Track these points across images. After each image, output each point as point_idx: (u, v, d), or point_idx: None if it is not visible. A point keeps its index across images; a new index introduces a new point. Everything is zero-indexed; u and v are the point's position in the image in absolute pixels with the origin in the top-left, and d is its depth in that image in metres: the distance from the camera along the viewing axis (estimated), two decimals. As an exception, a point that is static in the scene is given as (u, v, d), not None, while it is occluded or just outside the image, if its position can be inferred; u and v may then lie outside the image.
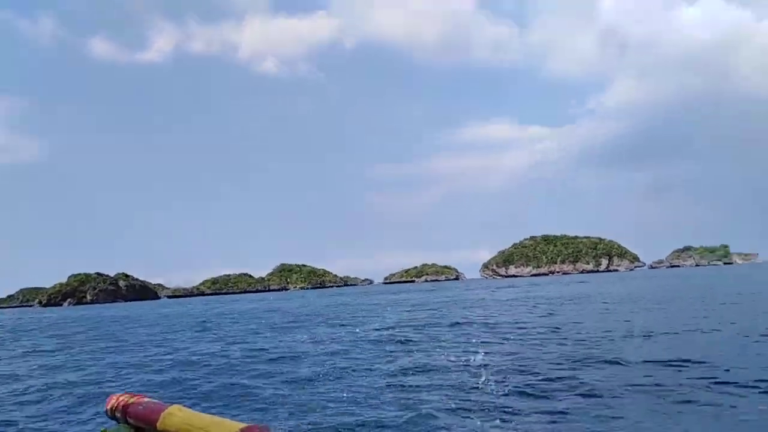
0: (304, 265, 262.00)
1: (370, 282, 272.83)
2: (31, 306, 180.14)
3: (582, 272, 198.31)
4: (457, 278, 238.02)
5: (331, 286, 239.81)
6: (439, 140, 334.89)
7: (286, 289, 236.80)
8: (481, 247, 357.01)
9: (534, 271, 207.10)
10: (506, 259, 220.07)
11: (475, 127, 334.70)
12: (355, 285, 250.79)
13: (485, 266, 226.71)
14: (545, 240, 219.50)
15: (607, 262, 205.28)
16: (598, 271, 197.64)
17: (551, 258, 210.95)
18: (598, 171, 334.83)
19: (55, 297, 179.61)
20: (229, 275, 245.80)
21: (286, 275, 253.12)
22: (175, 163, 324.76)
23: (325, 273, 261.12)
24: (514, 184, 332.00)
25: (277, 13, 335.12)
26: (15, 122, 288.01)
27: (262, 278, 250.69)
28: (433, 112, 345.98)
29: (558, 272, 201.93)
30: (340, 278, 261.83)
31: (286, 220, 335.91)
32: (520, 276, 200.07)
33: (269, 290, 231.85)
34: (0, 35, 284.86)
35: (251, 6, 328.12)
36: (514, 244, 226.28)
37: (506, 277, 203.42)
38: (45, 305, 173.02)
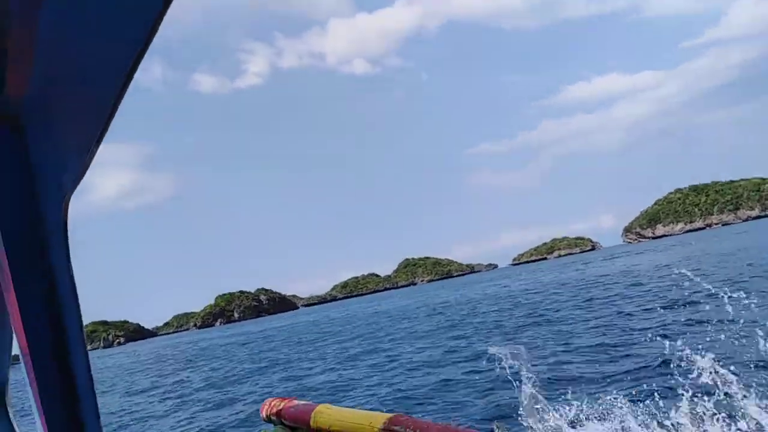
0: (427, 258, 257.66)
1: (495, 266, 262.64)
2: (187, 330, 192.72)
3: (747, 220, 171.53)
4: (593, 248, 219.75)
5: (459, 275, 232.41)
6: (542, 107, 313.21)
7: (414, 284, 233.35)
8: (610, 212, 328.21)
9: (687, 228, 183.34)
10: (651, 218, 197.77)
11: (579, 86, 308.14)
12: (479, 271, 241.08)
13: (627, 230, 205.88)
14: (694, 190, 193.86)
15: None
16: (767, 216, 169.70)
17: (706, 209, 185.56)
18: (730, 105, 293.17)
19: (207, 318, 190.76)
20: (357, 277, 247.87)
21: (411, 270, 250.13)
22: (286, 177, 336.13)
23: (450, 263, 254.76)
24: (633, 138, 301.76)
25: (359, 12, 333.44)
26: (147, 164, 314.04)
27: (389, 276, 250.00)
28: (532, 79, 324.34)
29: (717, 224, 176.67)
30: (466, 266, 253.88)
31: (400, 214, 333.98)
32: (672, 235, 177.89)
33: (397, 287, 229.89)
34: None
35: (333, 10, 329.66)
36: (657, 201, 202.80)
37: (654, 238, 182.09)
38: (200, 327, 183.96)
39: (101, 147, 0.84)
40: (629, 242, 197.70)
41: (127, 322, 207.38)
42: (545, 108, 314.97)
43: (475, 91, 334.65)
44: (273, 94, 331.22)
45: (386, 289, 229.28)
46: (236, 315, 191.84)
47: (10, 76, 0.83)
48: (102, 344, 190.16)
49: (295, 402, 2.05)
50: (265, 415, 2.16)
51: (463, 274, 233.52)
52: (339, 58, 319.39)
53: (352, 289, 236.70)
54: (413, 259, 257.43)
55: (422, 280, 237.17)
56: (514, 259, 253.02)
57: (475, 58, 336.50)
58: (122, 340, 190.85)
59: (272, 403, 2.07)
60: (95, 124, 0.81)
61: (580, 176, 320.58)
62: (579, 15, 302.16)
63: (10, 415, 1.87)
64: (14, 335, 1.02)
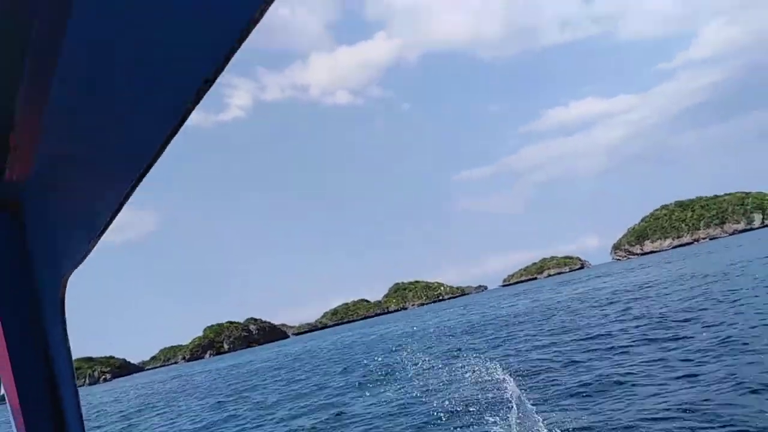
0: (417, 281, 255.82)
1: (484, 288, 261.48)
2: (176, 363, 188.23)
3: (733, 233, 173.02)
4: (582, 267, 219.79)
5: (449, 298, 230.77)
6: (522, 133, 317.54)
7: (405, 309, 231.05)
8: (594, 232, 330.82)
9: (675, 243, 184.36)
10: (639, 235, 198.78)
11: (557, 111, 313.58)
12: (469, 294, 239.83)
13: (616, 248, 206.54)
14: (680, 206, 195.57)
15: (761, 216, 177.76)
16: (752, 229, 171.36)
17: (693, 225, 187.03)
18: (702, 126, 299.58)
19: (196, 351, 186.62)
20: (346, 303, 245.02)
21: (402, 294, 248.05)
22: (271, 206, 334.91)
23: (439, 285, 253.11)
24: (612, 160, 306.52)
25: (339, 46, 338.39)
26: (131, 201, 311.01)
27: (379, 302, 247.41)
28: (511, 106, 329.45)
29: (704, 239, 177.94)
30: (456, 288, 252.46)
31: (388, 240, 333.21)
32: (660, 251, 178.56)
33: (388, 312, 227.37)
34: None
35: (314, 44, 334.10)
36: (644, 218, 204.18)
37: (643, 255, 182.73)
38: (188, 360, 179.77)
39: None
40: (618, 259, 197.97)
41: (113, 357, 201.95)
42: (525, 134, 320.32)
43: (456, 119, 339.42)
44: (256, 126, 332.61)
45: (377, 314, 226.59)
46: (226, 346, 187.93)
47: (11, 163, 0.84)
48: (87, 381, 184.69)
49: None
50: None
51: (453, 297, 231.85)
52: (321, 89, 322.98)
53: (342, 315, 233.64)
54: (403, 283, 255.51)
55: (413, 305, 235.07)
56: (504, 281, 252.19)
57: (455, 86, 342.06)
58: (108, 376, 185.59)
59: None
60: (99, 210, 0.80)
61: (562, 199, 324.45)
62: (554, 42, 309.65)
63: None
64: (6, 396, 1.01)
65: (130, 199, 0.73)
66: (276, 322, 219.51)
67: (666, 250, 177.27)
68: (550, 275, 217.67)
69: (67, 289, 0.98)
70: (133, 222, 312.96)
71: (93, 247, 0.88)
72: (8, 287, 0.98)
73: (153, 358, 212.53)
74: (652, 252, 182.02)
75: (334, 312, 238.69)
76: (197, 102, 0.57)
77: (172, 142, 0.63)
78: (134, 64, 0.58)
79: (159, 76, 0.58)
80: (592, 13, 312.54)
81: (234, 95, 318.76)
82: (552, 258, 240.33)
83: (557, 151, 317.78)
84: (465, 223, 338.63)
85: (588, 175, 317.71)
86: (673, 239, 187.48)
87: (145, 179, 0.72)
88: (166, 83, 0.58)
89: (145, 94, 0.61)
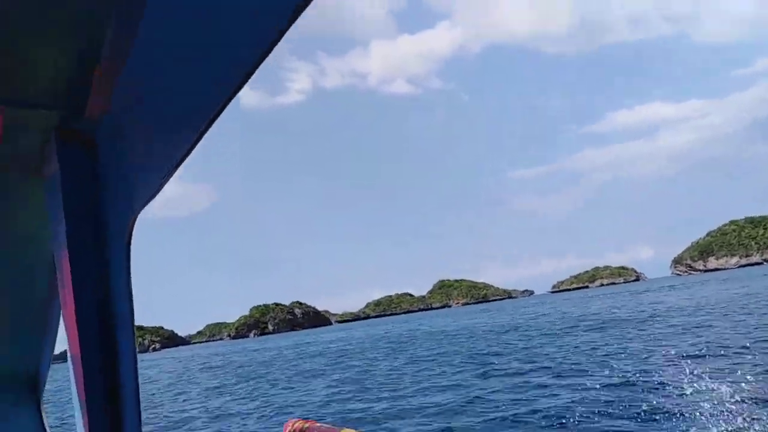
0: (463, 280, 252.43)
1: (531, 292, 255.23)
2: (221, 339, 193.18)
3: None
4: (637, 279, 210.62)
5: (495, 299, 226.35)
6: (583, 133, 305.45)
7: (449, 306, 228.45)
8: (649, 244, 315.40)
9: (743, 262, 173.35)
10: (703, 250, 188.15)
11: (621, 113, 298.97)
12: (515, 297, 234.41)
13: (676, 262, 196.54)
14: (751, 223, 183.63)
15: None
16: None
17: (763, 243, 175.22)
18: None
19: (241, 329, 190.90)
20: (390, 296, 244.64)
21: (446, 291, 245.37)
22: (326, 194, 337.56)
23: (486, 286, 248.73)
24: (677, 168, 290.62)
25: (401, 34, 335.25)
26: (187, 175, 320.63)
27: (423, 297, 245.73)
28: (573, 104, 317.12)
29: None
30: (503, 291, 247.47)
31: (437, 234, 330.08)
32: (725, 269, 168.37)
33: (431, 308, 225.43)
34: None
35: (375, 31, 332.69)
36: (710, 233, 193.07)
37: (705, 271, 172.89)
38: (234, 338, 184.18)
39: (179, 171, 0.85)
40: (678, 274, 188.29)
41: (162, 328, 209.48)
42: (586, 134, 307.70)
43: (516, 115, 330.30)
44: (314, 111, 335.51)
45: (420, 309, 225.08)
46: (270, 327, 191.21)
47: (93, 99, 0.88)
48: (138, 349, 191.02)
49: (317, 425, 2.02)
50: None
51: (500, 299, 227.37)
52: (380, 78, 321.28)
53: (385, 307, 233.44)
54: (448, 280, 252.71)
55: (457, 303, 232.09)
56: (554, 286, 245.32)
57: (517, 81, 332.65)
58: (158, 345, 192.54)
59: (295, 424, 2.03)
60: (170, 152, 0.83)
61: (618, 207, 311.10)
62: (623, 40, 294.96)
63: (42, 412, 1.90)
64: (67, 339, 1.05)
65: (193, 154, 0.78)
66: (319, 308, 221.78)
67: (732, 268, 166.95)
68: (603, 285, 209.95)
69: (134, 232, 1.00)
70: (193, 196, 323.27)
71: (162, 186, 0.91)
72: (80, 223, 1.01)
73: (199, 333, 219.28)
74: (716, 269, 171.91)
75: (377, 303, 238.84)
76: (269, 52, 0.60)
77: (238, 95, 0.67)
78: (213, 10, 0.63)
79: (236, 23, 0.61)
80: (666, 12, 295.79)
81: (294, 79, 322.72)
82: (606, 267, 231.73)
83: (617, 156, 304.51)
84: (515, 223, 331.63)
85: (648, 183, 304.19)
86: (740, 257, 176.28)
87: (206, 137, 0.76)
88: (242, 30, 0.61)
89: (222, 39, 0.64)
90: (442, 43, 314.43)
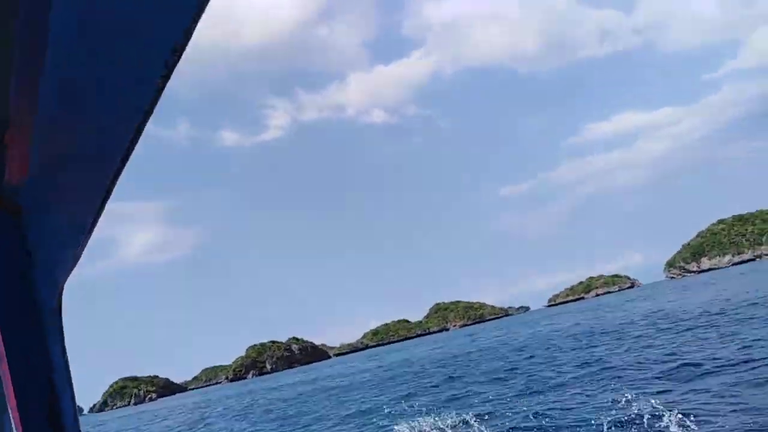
0: (458, 302, 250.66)
1: (526, 308, 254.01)
2: (219, 383, 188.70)
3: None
4: (632, 286, 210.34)
5: (492, 319, 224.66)
6: (561, 148, 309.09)
7: (447, 329, 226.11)
8: (639, 250, 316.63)
9: (735, 260, 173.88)
10: (694, 251, 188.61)
11: (598, 125, 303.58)
12: (511, 315, 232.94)
13: (670, 265, 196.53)
14: (739, 220, 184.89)
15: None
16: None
17: (754, 240, 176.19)
18: (758, 136, 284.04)
19: (239, 371, 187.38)
20: (387, 324, 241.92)
21: (442, 315, 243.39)
22: (311, 226, 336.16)
23: (482, 306, 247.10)
24: (657, 174, 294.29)
25: (376, 65, 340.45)
26: (170, 219, 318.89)
27: (420, 322, 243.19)
28: (549, 121, 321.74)
29: (767, 255, 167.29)
30: (499, 309, 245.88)
31: (427, 259, 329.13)
32: (719, 268, 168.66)
33: (429, 333, 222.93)
34: (152, 146, 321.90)
35: (351, 64, 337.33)
36: (700, 234, 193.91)
37: (700, 272, 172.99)
38: (232, 380, 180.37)
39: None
40: (673, 277, 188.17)
41: (157, 377, 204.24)
42: (565, 148, 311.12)
43: (494, 135, 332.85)
44: (294, 146, 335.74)
45: (418, 335, 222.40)
46: (268, 366, 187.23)
47: (9, 163, 0.85)
48: (133, 400, 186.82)
49: None
50: None
51: (497, 317, 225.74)
52: (358, 109, 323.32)
53: (383, 336, 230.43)
54: (444, 303, 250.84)
55: (455, 325, 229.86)
56: (550, 300, 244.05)
57: (493, 103, 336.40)
58: (154, 395, 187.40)
59: None
60: (91, 206, 0.82)
61: (604, 216, 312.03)
62: (593, 55, 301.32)
63: None
64: (9, 414, 1.02)
65: (118, 199, 0.68)
66: (315, 342, 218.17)
67: (725, 267, 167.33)
68: (597, 295, 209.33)
69: (63, 296, 0.97)
70: (177, 241, 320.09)
71: (84, 247, 0.89)
72: (9, 292, 0.98)
73: (195, 378, 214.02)
74: (710, 269, 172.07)
75: (375, 332, 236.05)
76: (167, 78, 0.60)
77: (144, 130, 0.67)
78: (108, 50, 0.62)
79: (127, 63, 0.62)
80: (633, 24, 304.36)
81: (272, 116, 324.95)
82: (599, 277, 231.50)
83: (598, 167, 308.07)
84: (503, 242, 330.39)
85: (631, 190, 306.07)
86: (732, 255, 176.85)
87: (122, 179, 0.75)
88: (132, 72, 0.62)
89: (116, 81, 0.64)
90: (417, 71, 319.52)
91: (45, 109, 0.71)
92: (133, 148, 0.70)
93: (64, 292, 0.97)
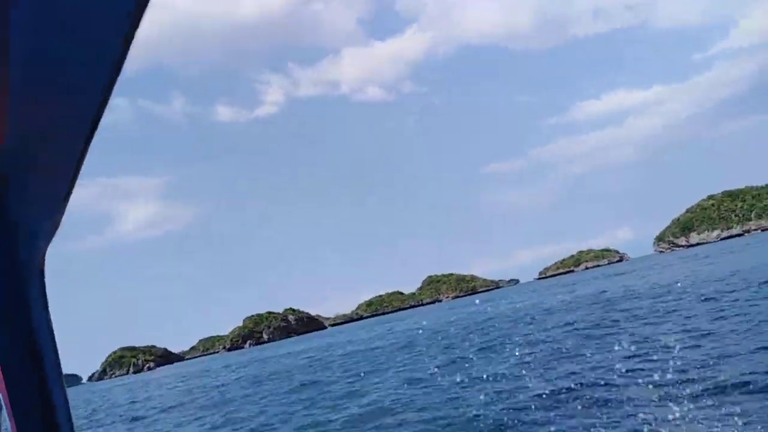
0: (451, 274, 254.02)
1: (516, 281, 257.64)
2: (216, 353, 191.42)
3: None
4: (621, 260, 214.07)
5: (483, 291, 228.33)
6: (553, 125, 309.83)
7: (439, 301, 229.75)
8: (628, 225, 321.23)
9: (724, 235, 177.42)
10: (684, 226, 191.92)
11: (589, 102, 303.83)
12: (502, 287, 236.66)
13: (659, 239, 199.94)
14: (729, 196, 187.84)
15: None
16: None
17: (743, 216, 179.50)
18: (748, 114, 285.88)
19: (236, 341, 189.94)
20: (381, 295, 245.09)
21: (435, 287, 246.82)
22: (307, 200, 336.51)
23: (473, 278, 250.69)
24: (647, 152, 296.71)
25: (371, 40, 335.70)
26: (167, 194, 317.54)
27: (413, 294, 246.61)
28: (542, 98, 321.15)
29: (756, 230, 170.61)
30: (490, 281, 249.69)
31: (421, 232, 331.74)
32: (708, 242, 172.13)
33: (422, 304, 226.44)
34: (145, 120, 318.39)
35: (346, 39, 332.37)
36: (689, 209, 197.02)
37: (689, 246, 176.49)
38: (230, 350, 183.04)
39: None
40: (662, 251, 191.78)
41: (155, 346, 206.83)
42: (556, 126, 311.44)
43: (488, 112, 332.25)
44: (289, 121, 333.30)
45: (411, 306, 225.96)
46: (265, 336, 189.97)
47: None
48: (132, 369, 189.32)
49: None
50: None
51: (488, 290, 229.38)
52: (352, 85, 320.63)
53: (377, 307, 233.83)
54: (436, 276, 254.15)
55: (447, 297, 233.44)
56: (540, 273, 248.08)
57: (486, 80, 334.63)
58: (152, 365, 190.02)
59: None
60: (67, 173, 0.83)
61: (594, 192, 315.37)
62: (586, 33, 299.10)
63: None
64: None
65: (90, 167, 0.77)
66: (311, 312, 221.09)
67: (714, 241, 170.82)
68: (587, 268, 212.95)
69: (45, 263, 0.97)
70: (175, 214, 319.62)
71: (64, 212, 0.91)
72: None
73: (192, 348, 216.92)
74: (699, 244, 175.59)
75: (369, 304, 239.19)
76: (129, 43, 0.62)
77: (111, 97, 0.68)
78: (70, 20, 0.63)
79: (90, 29, 0.63)
80: (626, 1, 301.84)
81: (267, 91, 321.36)
82: (589, 251, 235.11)
83: (589, 144, 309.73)
84: (494, 216, 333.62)
85: (621, 167, 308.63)
86: (721, 230, 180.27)
87: (94, 146, 0.77)
88: (94, 45, 0.64)
89: (80, 50, 0.66)
90: (412, 47, 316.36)
91: (16, 79, 0.71)
92: (101, 115, 0.71)
93: (46, 257, 0.97)
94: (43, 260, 0.99)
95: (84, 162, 0.80)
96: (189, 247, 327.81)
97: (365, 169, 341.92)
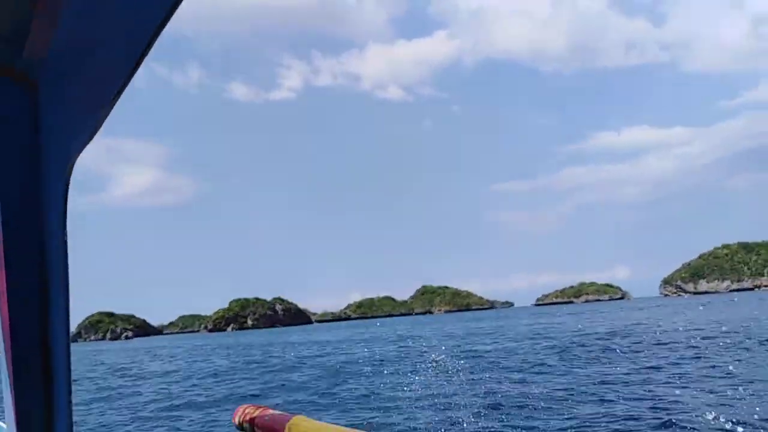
0: (446, 287, 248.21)
1: (511, 304, 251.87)
2: (196, 332, 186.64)
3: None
4: (622, 297, 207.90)
5: (477, 309, 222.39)
6: (568, 152, 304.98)
7: (431, 313, 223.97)
8: (627, 264, 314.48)
9: (734, 286, 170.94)
10: (694, 272, 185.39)
11: (608, 134, 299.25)
12: (496, 308, 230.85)
13: (666, 282, 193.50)
14: (744, 248, 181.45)
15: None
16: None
17: (756, 270, 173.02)
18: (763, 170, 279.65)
19: (219, 322, 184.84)
20: (372, 298, 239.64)
21: (429, 298, 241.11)
22: (310, 191, 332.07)
23: (469, 295, 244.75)
24: (660, 192, 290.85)
25: (398, 39, 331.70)
26: (172, 165, 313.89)
27: (405, 301, 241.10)
28: (561, 123, 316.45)
29: (767, 286, 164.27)
30: (485, 300, 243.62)
31: (420, 241, 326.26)
32: (715, 292, 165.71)
33: (414, 314, 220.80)
34: (159, 88, 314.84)
35: (373, 34, 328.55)
36: (702, 255, 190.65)
37: (696, 294, 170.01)
38: (211, 330, 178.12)
39: (113, 116, 0.84)
40: (667, 295, 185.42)
41: (134, 316, 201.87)
42: (571, 153, 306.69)
43: (505, 130, 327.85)
44: (304, 109, 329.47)
45: (402, 314, 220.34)
46: (249, 322, 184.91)
47: (32, 37, 0.84)
48: (109, 336, 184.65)
49: (270, 411, 1.95)
50: (237, 422, 2.00)
51: (482, 309, 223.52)
52: (373, 82, 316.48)
53: (366, 310, 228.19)
54: (431, 286, 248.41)
55: (439, 310, 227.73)
56: (538, 300, 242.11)
57: (508, 96, 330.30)
58: (130, 334, 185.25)
59: (246, 411, 1.97)
60: (108, 92, 0.82)
61: (600, 226, 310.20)
62: (617, 64, 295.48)
63: None
64: None
65: (126, 95, 0.79)
66: (300, 305, 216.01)
67: (722, 292, 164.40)
68: (587, 301, 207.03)
69: (72, 176, 0.96)
70: (174, 186, 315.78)
71: (98, 128, 0.89)
72: (18, 163, 0.98)
73: (171, 324, 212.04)
74: (706, 292, 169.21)
75: (359, 305, 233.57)
76: None
77: (166, 28, 0.67)
78: None
79: None
80: (661, 39, 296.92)
81: (287, 75, 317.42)
82: (591, 284, 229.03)
83: (601, 176, 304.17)
84: (497, 236, 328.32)
85: (630, 205, 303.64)
86: (732, 282, 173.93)
87: (137, 74, 0.76)
88: None
89: None
90: (439, 52, 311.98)
91: None
92: (156, 38, 0.69)
93: (74, 170, 0.96)
94: (70, 174, 0.97)
95: (126, 86, 0.78)
96: (183, 221, 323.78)
97: (375, 166, 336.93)
